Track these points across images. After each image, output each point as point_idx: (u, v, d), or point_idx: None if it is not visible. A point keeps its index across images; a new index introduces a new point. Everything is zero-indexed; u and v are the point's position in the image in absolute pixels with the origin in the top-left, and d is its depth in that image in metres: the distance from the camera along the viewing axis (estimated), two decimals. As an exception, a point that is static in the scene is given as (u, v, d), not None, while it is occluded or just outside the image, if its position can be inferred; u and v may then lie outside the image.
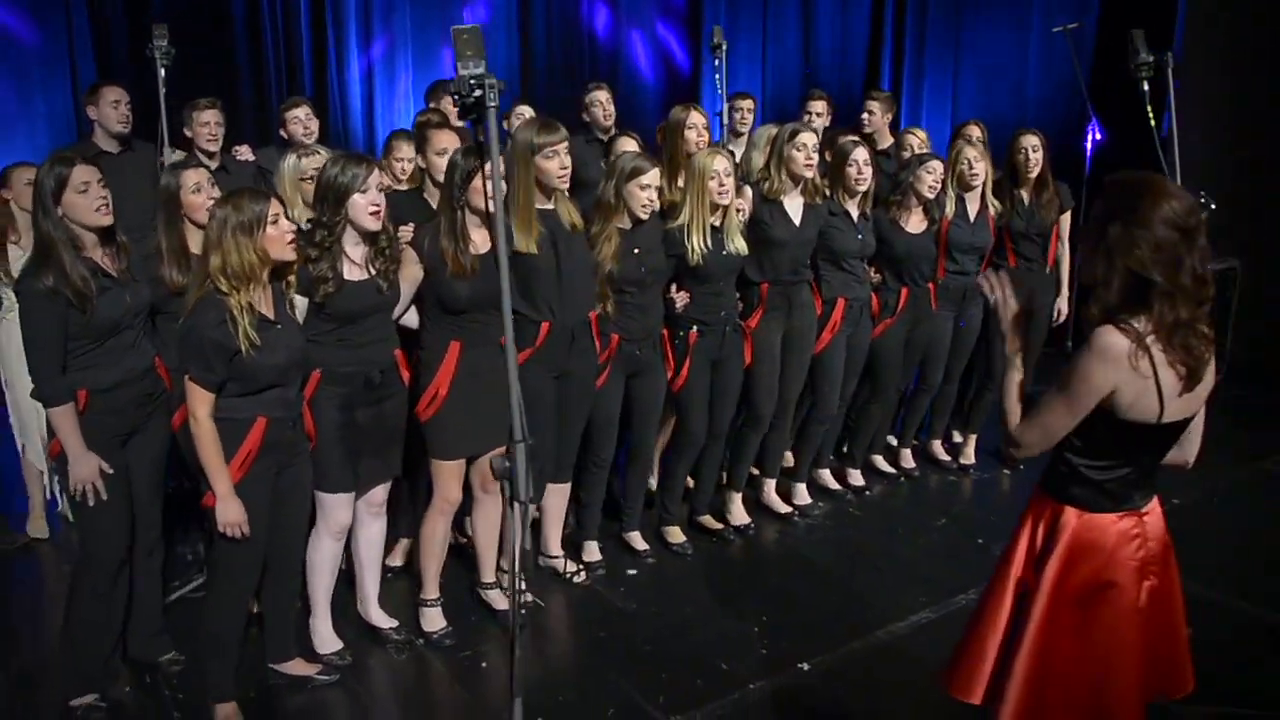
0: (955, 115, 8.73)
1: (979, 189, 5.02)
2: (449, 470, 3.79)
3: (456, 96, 2.39)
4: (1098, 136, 7.06)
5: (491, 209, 3.62)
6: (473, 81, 2.30)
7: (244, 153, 5.03)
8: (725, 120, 5.56)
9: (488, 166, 3.53)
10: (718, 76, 5.54)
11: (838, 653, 3.83)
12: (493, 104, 2.28)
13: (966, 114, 8.52)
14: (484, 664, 3.77)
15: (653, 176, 4.03)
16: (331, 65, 8.30)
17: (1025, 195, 5.17)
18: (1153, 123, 3.89)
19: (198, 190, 3.50)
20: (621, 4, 9.58)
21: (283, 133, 5.06)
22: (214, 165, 4.75)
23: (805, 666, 3.75)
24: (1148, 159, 7.17)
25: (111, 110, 4.82)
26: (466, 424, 3.72)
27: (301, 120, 5.02)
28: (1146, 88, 3.90)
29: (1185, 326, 2.20)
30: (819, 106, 5.83)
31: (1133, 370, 2.21)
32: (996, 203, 5.08)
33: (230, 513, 3.16)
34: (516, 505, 2.40)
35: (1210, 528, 4.80)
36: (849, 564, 4.58)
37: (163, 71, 4.54)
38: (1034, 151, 5.10)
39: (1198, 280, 2.20)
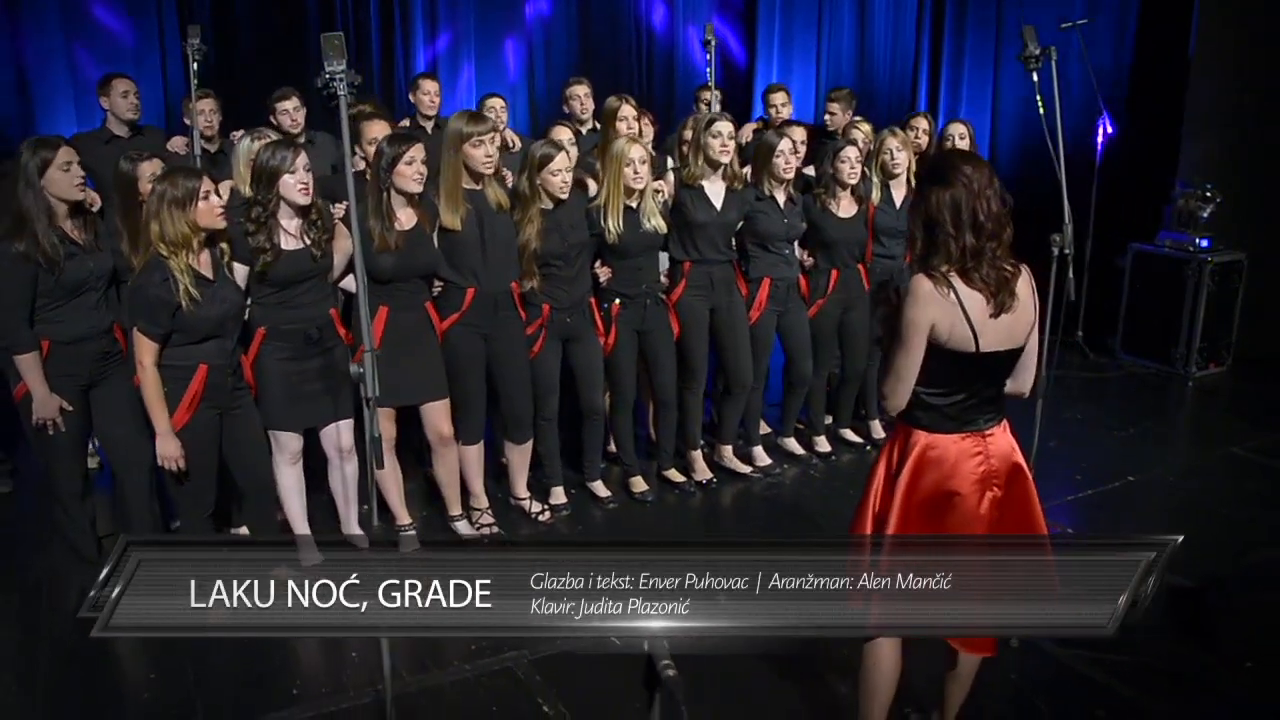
0: (996, 107, 8.74)
1: (903, 176, 5.21)
2: (380, 415, 4.31)
3: (323, 90, 2.95)
4: (1109, 130, 7.09)
5: (414, 190, 4.17)
6: (329, 75, 2.84)
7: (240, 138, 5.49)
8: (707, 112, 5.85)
9: (410, 151, 4.12)
10: (709, 70, 5.86)
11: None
12: (343, 94, 2.83)
13: (1008, 104, 8.56)
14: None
15: (560, 160, 4.38)
16: (399, 60, 8.85)
17: None
18: (1041, 111, 4.12)
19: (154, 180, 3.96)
20: (679, 1, 9.88)
21: (272, 120, 5.25)
22: (213, 149, 5.22)
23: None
24: (1158, 153, 7.21)
25: (121, 100, 5.23)
26: (394, 377, 4.18)
27: (289, 112, 5.25)
28: (1036, 79, 4.14)
29: (976, 255, 2.60)
30: (779, 98, 6.09)
31: (941, 303, 2.61)
32: (923, 188, 5.26)
33: (168, 448, 3.69)
34: (369, 403, 3.05)
35: (1157, 504, 4.99)
36: (790, 518, 4.89)
37: (195, 66, 4.88)
38: (960, 140, 5.33)
39: (978, 225, 2.59)
